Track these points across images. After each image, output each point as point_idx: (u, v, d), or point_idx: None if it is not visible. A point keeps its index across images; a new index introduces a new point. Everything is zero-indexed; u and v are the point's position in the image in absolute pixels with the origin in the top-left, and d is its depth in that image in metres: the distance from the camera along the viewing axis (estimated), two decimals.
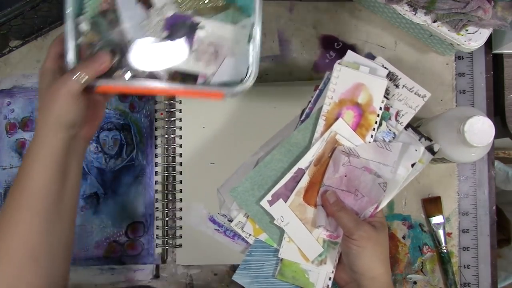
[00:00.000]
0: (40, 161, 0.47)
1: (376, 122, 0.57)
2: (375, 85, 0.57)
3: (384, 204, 0.57)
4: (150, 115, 0.69)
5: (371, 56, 0.72)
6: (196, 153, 0.69)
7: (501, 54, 0.72)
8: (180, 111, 0.69)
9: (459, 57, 0.72)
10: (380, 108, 0.57)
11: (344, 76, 0.57)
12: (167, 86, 0.49)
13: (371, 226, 0.54)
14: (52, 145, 0.47)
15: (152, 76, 0.50)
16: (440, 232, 0.68)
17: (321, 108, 0.58)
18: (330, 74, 0.58)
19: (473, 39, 0.62)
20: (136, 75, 0.50)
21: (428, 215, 0.69)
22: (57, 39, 0.50)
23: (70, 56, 0.49)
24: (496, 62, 0.72)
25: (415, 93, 0.59)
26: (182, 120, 0.69)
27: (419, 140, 0.60)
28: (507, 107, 0.72)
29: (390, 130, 0.58)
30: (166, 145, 0.69)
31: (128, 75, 0.49)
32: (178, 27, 0.50)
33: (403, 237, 0.69)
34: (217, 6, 0.50)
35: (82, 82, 0.46)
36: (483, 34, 0.62)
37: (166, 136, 0.69)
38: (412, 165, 0.57)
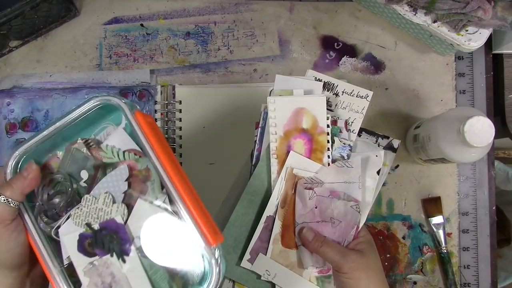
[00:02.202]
0: None
1: (328, 141, 0.55)
2: (315, 104, 0.54)
3: (363, 221, 0.55)
4: (150, 115, 0.69)
5: (370, 57, 0.72)
6: (196, 153, 0.69)
7: (501, 54, 0.72)
8: (180, 111, 0.69)
9: (459, 57, 0.72)
10: (328, 126, 0.55)
11: (281, 107, 0.54)
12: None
13: (358, 252, 0.52)
14: None
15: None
16: (440, 232, 0.68)
17: (269, 146, 0.55)
18: (266, 108, 0.55)
19: (473, 39, 0.62)
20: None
21: (428, 215, 0.69)
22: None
23: (8, 174, 0.43)
24: (496, 62, 0.72)
25: (357, 96, 0.57)
26: (182, 120, 0.69)
27: (376, 141, 0.59)
28: (507, 107, 0.72)
29: (344, 144, 0.56)
30: None
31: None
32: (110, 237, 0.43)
33: (403, 237, 0.69)
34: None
35: (11, 205, 0.40)
36: (483, 34, 0.62)
37: (166, 136, 0.69)
38: (378, 172, 0.56)
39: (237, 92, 0.69)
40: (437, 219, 0.69)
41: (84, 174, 0.44)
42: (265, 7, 0.72)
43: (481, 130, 0.53)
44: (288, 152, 0.55)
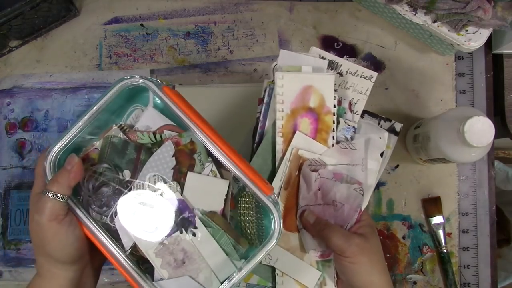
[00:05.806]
0: None
1: (334, 122, 0.53)
2: (323, 83, 0.52)
3: (365, 204, 0.54)
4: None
5: (370, 57, 0.72)
6: None
7: (501, 54, 0.72)
8: None
9: (459, 57, 0.72)
10: (334, 106, 0.53)
11: (289, 83, 0.52)
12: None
13: (361, 236, 0.50)
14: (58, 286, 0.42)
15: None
16: (440, 232, 0.68)
17: (274, 124, 0.53)
18: (271, 83, 0.53)
19: (473, 39, 0.62)
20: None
21: (428, 215, 0.69)
22: (42, 155, 0.43)
23: (48, 172, 0.42)
24: (496, 62, 0.72)
25: (361, 77, 0.55)
26: None
27: (379, 123, 0.57)
28: (507, 107, 0.72)
29: (349, 125, 0.54)
30: None
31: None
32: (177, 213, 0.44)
33: (403, 237, 0.69)
34: (230, 227, 0.44)
35: (61, 200, 0.40)
36: (483, 34, 0.62)
37: None
38: (381, 155, 0.54)
39: (237, 92, 0.69)
40: (437, 219, 0.69)
41: (127, 158, 0.44)
42: (265, 7, 0.72)
43: (481, 130, 0.53)
44: (294, 132, 0.52)
